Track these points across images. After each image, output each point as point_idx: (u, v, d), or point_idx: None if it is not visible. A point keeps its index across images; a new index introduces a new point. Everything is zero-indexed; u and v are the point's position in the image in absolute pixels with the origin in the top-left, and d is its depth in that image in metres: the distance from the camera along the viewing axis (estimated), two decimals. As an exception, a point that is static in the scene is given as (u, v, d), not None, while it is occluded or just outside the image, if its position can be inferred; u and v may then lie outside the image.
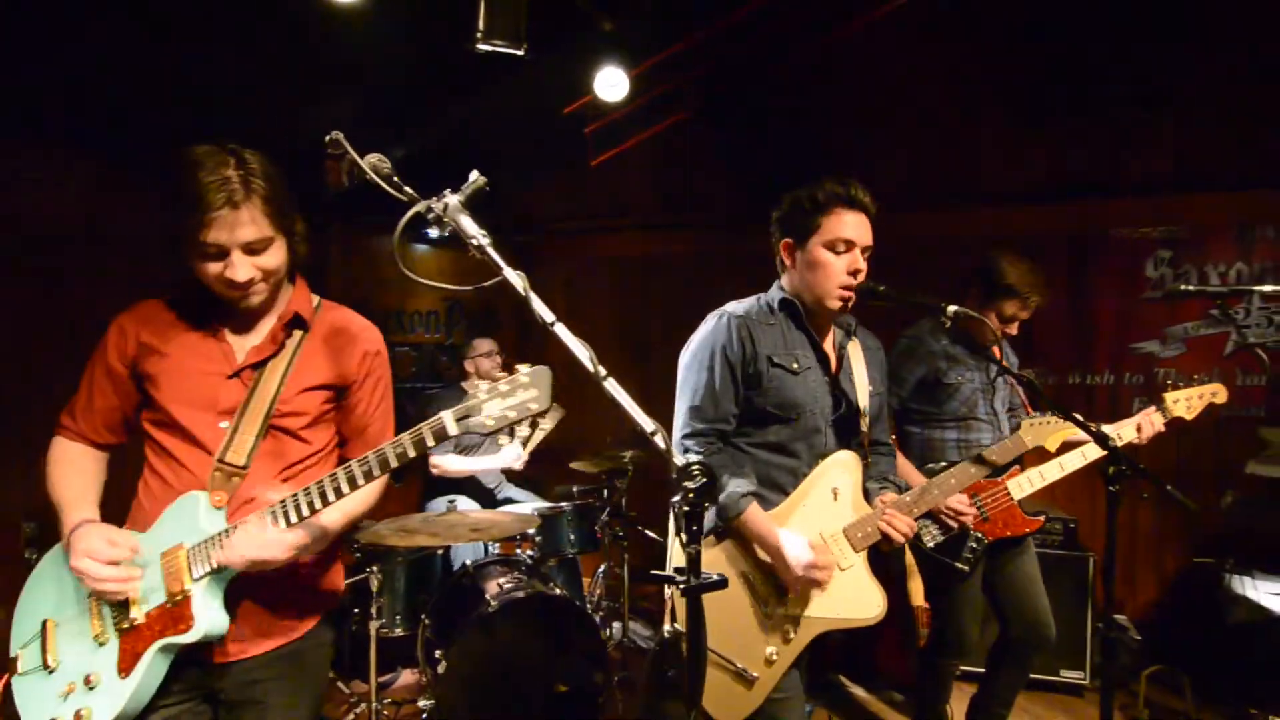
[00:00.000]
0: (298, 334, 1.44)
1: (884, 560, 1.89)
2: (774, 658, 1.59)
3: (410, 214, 1.04)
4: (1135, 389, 3.89)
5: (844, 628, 1.67)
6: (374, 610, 2.72)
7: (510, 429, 1.19)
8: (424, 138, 3.77)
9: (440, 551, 3.26)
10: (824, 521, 1.71)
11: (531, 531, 3.13)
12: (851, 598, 1.69)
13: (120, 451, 1.52)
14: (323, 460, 1.48)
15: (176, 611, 1.29)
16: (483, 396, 1.18)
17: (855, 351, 1.86)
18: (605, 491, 3.63)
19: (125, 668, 1.29)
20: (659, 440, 0.99)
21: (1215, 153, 3.76)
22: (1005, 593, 2.51)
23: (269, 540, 1.27)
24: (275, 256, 1.34)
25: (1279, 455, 3.11)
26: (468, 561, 3.04)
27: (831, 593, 1.65)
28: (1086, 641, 3.29)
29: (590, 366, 0.98)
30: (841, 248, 1.69)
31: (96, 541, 1.29)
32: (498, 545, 3.22)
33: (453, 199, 1.06)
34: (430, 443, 1.21)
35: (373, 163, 1.07)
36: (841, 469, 1.75)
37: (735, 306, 1.79)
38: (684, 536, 0.98)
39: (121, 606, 1.32)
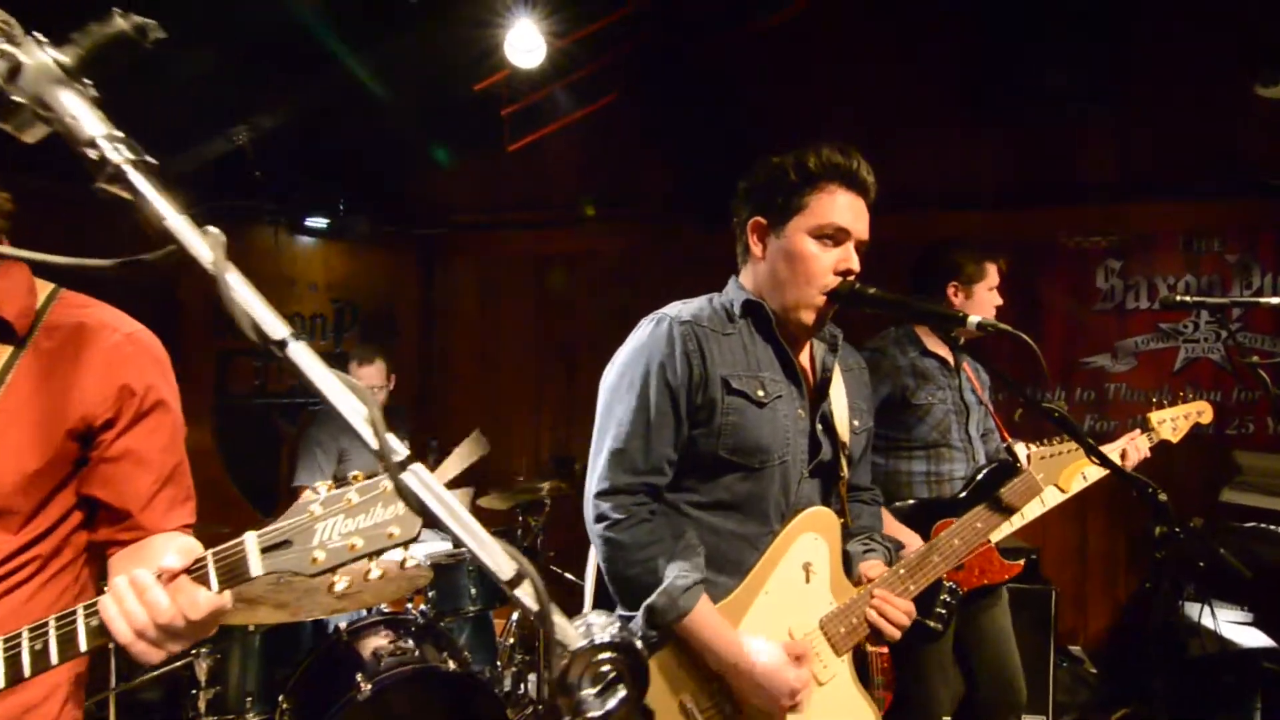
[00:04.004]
0: (4, 350, 0.93)
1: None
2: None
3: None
4: (1087, 406, 3.72)
5: (828, 764, 1.22)
6: (201, 704, 2.07)
7: (369, 558, 0.72)
8: (309, 108, 3.14)
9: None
10: (794, 614, 1.27)
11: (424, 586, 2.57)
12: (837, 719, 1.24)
13: None
14: (51, 565, 0.95)
15: None
16: (316, 510, 0.74)
17: (837, 372, 1.42)
18: (519, 531, 3.14)
19: None
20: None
21: (1163, 161, 3.65)
22: (976, 650, 2.27)
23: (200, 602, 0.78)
24: None
25: (1253, 481, 2.93)
26: (341, 624, 2.46)
27: (812, 717, 1.20)
28: (1049, 681, 3.03)
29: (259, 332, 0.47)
30: (831, 238, 1.26)
31: None
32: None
33: (43, 54, 0.51)
34: (214, 587, 0.77)
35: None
36: (813, 536, 1.31)
37: (679, 309, 1.33)
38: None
39: None
